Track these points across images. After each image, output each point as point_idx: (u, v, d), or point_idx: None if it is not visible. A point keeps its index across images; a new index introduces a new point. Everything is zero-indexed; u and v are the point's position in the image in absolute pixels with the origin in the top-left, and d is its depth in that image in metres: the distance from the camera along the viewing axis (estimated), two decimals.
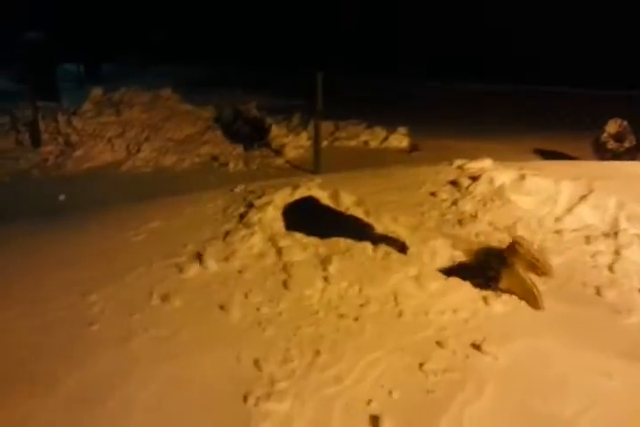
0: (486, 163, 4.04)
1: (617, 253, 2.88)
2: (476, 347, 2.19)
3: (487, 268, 2.56)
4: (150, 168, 7.03)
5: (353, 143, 8.09)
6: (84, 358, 2.14)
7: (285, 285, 2.61)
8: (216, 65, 17.09)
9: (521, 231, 3.15)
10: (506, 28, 14.77)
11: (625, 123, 6.52)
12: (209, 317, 2.40)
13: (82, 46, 15.73)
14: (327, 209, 3.28)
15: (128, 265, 2.86)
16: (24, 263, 3.03)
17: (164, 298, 2.53)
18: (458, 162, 4.21)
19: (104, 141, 7.48)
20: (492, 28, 14.97)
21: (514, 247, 2.55)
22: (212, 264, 2.79)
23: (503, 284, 2.51)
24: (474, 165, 4.03)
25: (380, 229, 3.08)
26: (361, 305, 2.46)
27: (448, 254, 2.87)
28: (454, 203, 3.53)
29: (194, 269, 2.76)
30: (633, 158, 6.24)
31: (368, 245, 2.86)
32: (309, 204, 3.32)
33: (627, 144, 6.49)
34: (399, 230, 3.09)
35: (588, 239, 3.04)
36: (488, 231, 3.20)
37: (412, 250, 2.84)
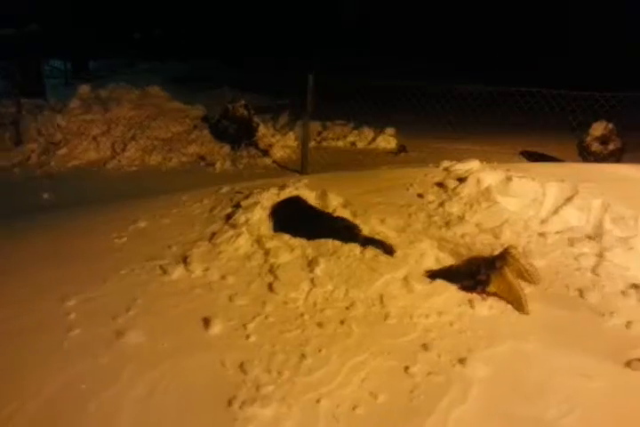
0: (473, 164, 4.05)
1: (600, 255, 2.91)
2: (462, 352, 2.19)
3: (476, 271, 2.57)
4: (136, 167, 6.96)
5: (340, 144, 8.09)
6: (64, 364, 2.10)
7: (271, 287, 2.59)
8: (204, 63, 16.98)
9: (507, 233, 3.17)
10: (494, 26, 14.89)
11: (610, 125, 6.58)
12: (193, 321, 2.38)
13: (68, 42, 15.53)
14: (314, 210, 3.27)
15: (111, 267, 2.82)
16: (2, 264, 2.98)
17: (148, 302, 2.50)
18: (445, 163, 4.21)
19: (89, 139, 7.40)
20: (480, 26, 15.09)
21: (504, 256, 2.56)
22: (196, 267, 2.76)
23: (492, 287, 2.52)
24: (461, 167, 4.04)
25: (367, 230, 3.08)
26: (347, 308, 2.46)
27: (435, 256, 2.87)
28: (441, 204, 3.53)
29: (178, 272, 2.73)
30: (618, 161, 6.31)
31: (355, 247, 2.86)
32: (297, 204, 3.31)
33: (611, 147, 6.55)
34: (386, 232, 3.09)
35: (572, 241, 3.06)
36: (475, 233, 3.21)
37: (399, 252, 2.84)
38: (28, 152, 7.15)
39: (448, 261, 2.86)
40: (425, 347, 2.21)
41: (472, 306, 2.48)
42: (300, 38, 17.17)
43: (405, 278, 2.64)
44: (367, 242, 2.91)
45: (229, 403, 1.90)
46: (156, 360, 2.11)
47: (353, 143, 8.08)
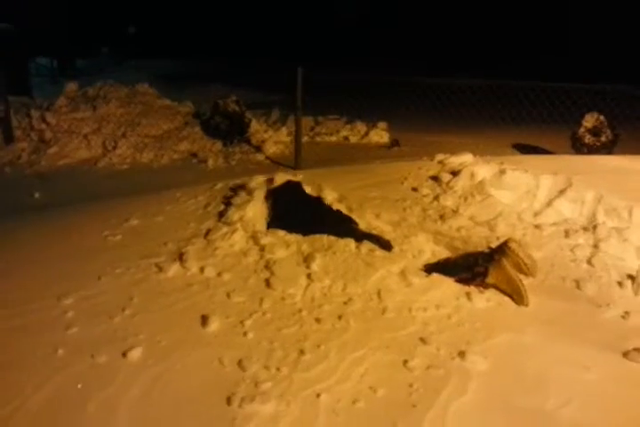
0: (467, 157, 4.06)
1: (595, 246, 2.92)
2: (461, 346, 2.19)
3: (474, 263, 2.58)
4: (127, 165, 6.90)
5: (333, 139, 8.06)
6: (62, 362, 2.09)
7: (268, 283, 2.58)
8: (192, 59, 16.86)
9: (501, 226, 3.18)
10: (485, 20, 14.90)
11: (602, 117, 6.61)
12: (191, 318, 2.36)
13: (55, 39, 15.35)
14: (312, 201, 3.25)
15: (106, 265, 2.80)
16: None
17: (144, 300, 2.48)
18: (439, 157, 4.22)
19: (79, 138, 7.31)
20: (472, 21, 15.09)
21: (503, 248, 2.57)
22: (192, 264, 2.74)
23: (490, 279, 2.53)
24: (454, 160, 4.05)
25: (363, 225, 3.08)
26: (344, 303, 2.46)
27: (431, 250, 2.87)
28: (436, 198, 3.54)
29: (174, 270, 2.72)
30: (610, 152, 6.34)
31: (351, 242, 2.85)
32: (295, 193, 3.29)
33: (603, 138, 6.58)
34: (382, 227, 3.08)
35: (567, 233, 3.08)
36: (470, 226, 3.21)
37: (394, 246, 2.84)
38: (18, 151, 7.06)
39: (444, 254, 2.86)
40: (423, 340, 2.21)
41: (470, 299, 2.48)
42: (293, 35, 17.09)
43: (402, 272, 2.64)
44: (363, 237, 2.90)
45: (228, 400, 1.89)
46: (153, 358, 2.10)
47: (346, 138, 8.05)
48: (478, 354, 2.13)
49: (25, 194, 5.55)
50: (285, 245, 2.85)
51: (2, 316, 2.40)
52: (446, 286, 2.56)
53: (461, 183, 3.62)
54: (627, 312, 2.44)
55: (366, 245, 2.83)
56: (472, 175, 3.64)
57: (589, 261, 2.82)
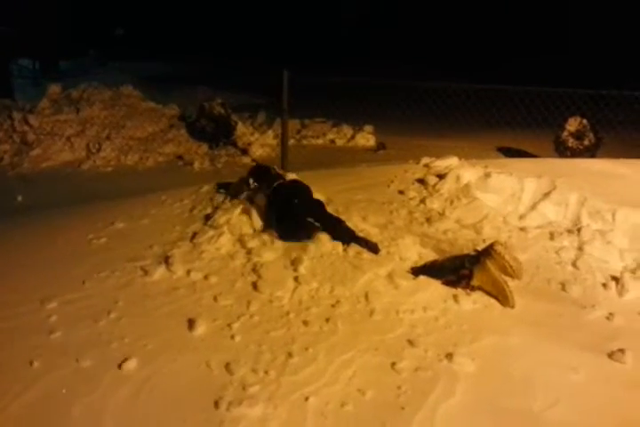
0: (452, 161, 4.09)
1: (580, 249, 2.96)
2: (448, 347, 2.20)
3: (460, 266, 2.59)
4: (112, 167, 6.82)
5: (320, 142, 8.06)
6: (46, 366, 2.05)
7: (255, 286, 2.57)
8: (177, 61, 16.76)
9: (487, 229, 3.20)
10: (469, 24, 15.02)
11: (585, 121, 6.70)
12: (177, 321, 2.34)
13: (40, 41, 15.15)
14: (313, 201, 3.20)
15: (91, 269, 2.76)
16: None
17: (130, 303, 2.45)
18: (424, 160, 4.24)
19: (63, 140, 7.22)
20: (456, 25, 15.20)
21: (489, 251, 2.58)
22: (178, 267, 2.72)
23: (475, 281, 2.54)
24: (440, 164, 4.07)
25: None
26: (332, 305, 2.45)
27: (418, 253, 2.88)
28: (422, 201, 3.55)
29: (160, 273, 2.69)
30: (593, 156, 6.43)
31: (338, 245, 2.85)
32: (297, 191, 3.24)
33: (586, 142, 6.67)
34: (369, 229, 3.09)
35: (552, 236, 3.11)
36: (455, 229, 3.24)
37: (381, 249, 2.84)
38: (0, 153, 6.96)
39: (431, 257, 2.87)
40: (411, 343, 2.22)
41: (457, 301, 2.49)
42: (282, 36, 17.07)
43: (389, 275, 2.64)
44: (351, 239, 2.90)
45: (216, 404, 1.88)
46: (140, 362, 2.07)
47: (332, 141, 8.06)
48: (465, 356, 2.14)
49: (8, 197, 5.46)
50: (272, 248, 2.84)
51: None
52: (433, 288, 2.57)
53: (447, 186, 3.64)
54: (611, 313, 2.47)
55: (353, 248, 2.83)
56: (458, 178, 3.67)
57: (574, 264, 2.85)
